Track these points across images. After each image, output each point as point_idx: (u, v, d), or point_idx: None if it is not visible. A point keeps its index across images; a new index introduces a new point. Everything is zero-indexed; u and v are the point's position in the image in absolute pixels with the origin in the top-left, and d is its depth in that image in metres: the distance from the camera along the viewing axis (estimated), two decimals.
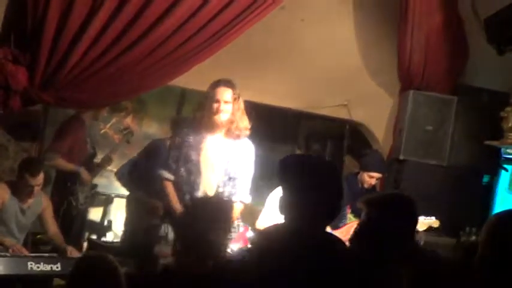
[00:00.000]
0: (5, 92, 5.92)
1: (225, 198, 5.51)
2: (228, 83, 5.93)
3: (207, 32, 6.41)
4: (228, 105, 5.84)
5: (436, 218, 6.93)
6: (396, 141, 8.10)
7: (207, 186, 5.90)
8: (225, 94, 5.85)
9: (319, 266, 3.33)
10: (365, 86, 8.43)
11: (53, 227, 6.96)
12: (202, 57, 6.60)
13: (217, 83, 5.92)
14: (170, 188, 5.97)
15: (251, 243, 5.50)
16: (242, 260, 3.71)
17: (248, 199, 6.12)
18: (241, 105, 5.96)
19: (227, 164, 5.96)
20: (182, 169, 5.93)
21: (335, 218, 3.64)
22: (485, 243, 3.43)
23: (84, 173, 7.79)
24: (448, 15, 8.07)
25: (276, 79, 8.15)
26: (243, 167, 6.04)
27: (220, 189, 5.92)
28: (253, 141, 7.78)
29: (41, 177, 6.65)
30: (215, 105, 5.82)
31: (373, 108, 8.57)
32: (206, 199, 5.08)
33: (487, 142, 7.70)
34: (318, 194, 3.44)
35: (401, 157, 7.89)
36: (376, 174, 7.59)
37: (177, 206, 5.87)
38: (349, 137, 9.09)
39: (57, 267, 6.06)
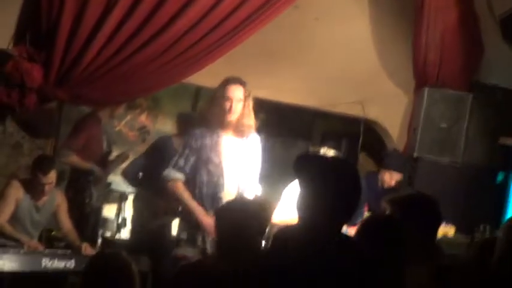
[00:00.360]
0: (21, 90, 5.95)
1: (263, 201, 5.46)
2: (239, 81, 5.90)
3: (220, 31, 6.41)
4: (240, 104, 5.82)
5: (450, 217, 6.93)
6: (411, 138, 8.09)
7: (229, 186, 5.89)
8: (236, 92, 5.83)
9: (334, 266, 3.32)
10: (380, 83, 8.42)
11: (67, 224, 7.00)
12: (215, 56, 6.60)
13: (228, 81, 5.89)
14: (183, 189, 5.94)
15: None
16: (258, 259, 3.70)
17: (260, 190, 6.14)
18: (250, 103, 5.93)
19: (243, 161, 5.96)
20: (202, 171, 5.91)
21: (351, 216, 3.63)
22: (504, 244, 3.43)
23: (98, 172, 7.81)
24: (463, 12, 8.03)
25: (290, 77, 8.15)
26: (254, 161, 6.05)
27: (241, 187, 5.93)
28: (268, 139, 7.79)
29: (52, 175, 6.68)
30: (227, 104, 5.79)
31: (388, 106, 8.56)
32: (244, 201, 5.04)
33: (502, 140, 7.69)
34: (335, 193, 3.43)
35: (415, 155, 7.88)
36: (397, 175, 7.59)
37: (198, 208, 5.83)
38: (364, 135, 9.07)
39: (71, 264, 6.10)
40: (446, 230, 7.11)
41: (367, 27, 8.35)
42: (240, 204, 4.46)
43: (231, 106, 5.79)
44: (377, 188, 7.60)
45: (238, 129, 5.92)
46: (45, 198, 6.90)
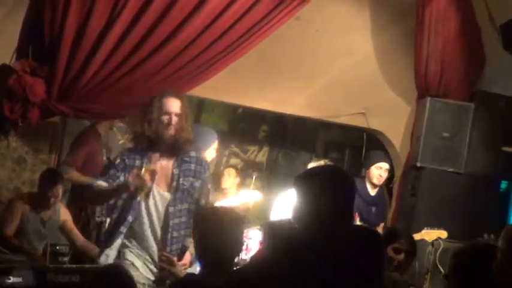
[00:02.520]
0: (23, 104, 5.96)
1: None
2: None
3: (222, 43, 6.43)
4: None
5: (454, 225, 6.95)
6: (413, 148, 8.10)
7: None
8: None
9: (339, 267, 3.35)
10: (382, 93, 8.43)
11: (79, 237, 7.02)
12: (217, 69, 6.62)
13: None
14: None
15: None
16: (260, 268, 3.71)
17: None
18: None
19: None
20: None
21: (349, 216, 3.65)
22: (504, 251, 3.44)
23: (99, 185, 7.80)
24: (464, 22, 8.04)
25: (293, 88, 8.16)
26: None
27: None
28: (272, 150, 7.71)
29: (58, 188, 6.70)
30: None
31: (391, 116, 8.57)
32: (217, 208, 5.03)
33: (504, 148, 7.69)
34: (329, 201, 3.46)
35: (418, 164, 7.88)
36: (384, 165, 7.62)
37: None
38: (367, 144, 9.10)
39: (75, 279, 6.09)
40: (438, 234, 7.14)
41: (369, 38, 8.37)
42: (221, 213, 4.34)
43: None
44: (366, 193, 7.61)
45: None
46: (50, 212, 6.91)
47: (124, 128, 9.15)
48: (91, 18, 5.97)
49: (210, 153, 6.93)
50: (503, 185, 8.03)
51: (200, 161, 5.64)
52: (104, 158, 8.07)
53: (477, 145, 7.93)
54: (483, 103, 8.00)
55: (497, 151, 7.80)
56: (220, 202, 7.55)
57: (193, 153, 5.59)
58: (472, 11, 8.05)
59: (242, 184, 8.74)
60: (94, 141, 7.88)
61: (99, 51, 6.06)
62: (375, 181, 7.65)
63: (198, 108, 10.31)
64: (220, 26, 6.38)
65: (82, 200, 7.63)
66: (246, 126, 10.80)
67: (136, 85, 6.28)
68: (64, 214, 7.05)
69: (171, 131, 5.43)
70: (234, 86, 7.72)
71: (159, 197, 5.44)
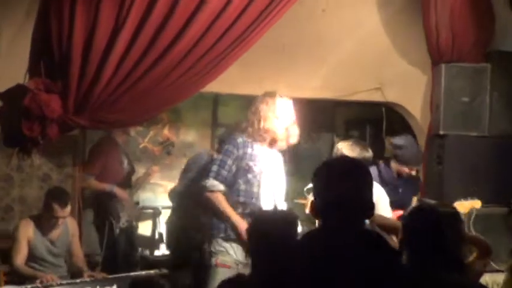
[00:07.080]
0: (41, 122, 5.97)
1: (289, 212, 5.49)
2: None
3: (231, 35, 6.37)
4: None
5: (484, 190, 6.89)
6: (434, 116, 8.05)
7: (265, 196, 5.94)
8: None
9: (364, 264, 3.31)
10: (396, 66, 8.40)
11: (78, 251, 7.07)
12: (229, 62, 6.56)
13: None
14: (224, 200, 5.98)
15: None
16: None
17: (285, 207, 6.31)
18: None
19: (277, 173, 6.05)
20: (241, 180, 5.96)
21: (369, 214, 3.61)
22: None
23: (118, 191, 7.87)
24: None
25: (306, 71, 8.15)
26: (283, 174, 6.16)
27: (276, 198, 6.01)
28: None
29: (69, 208, 6.73)
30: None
31: (408, 87, 8.54)
32: (274, 213, 5.06)
33: None
34: (348, 194, 3.43)
35: (441, 132, 7.84)
36: (417, 167, 7.57)
37: (239, 219, 5.90)
38: (387, 118, 9.06)
39: None
40: (472, 204, 7.07)
41: (375, 10, 8.32)
42: (271, 215, 4.48)
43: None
44: (390, 176, 7.51)
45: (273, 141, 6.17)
46: (57, 231, 6.92)
47: (144, 131, 9.18)
48: (98, 26, 5.94)
49: None
50: None
51: None
52: (125, 165, 8.11)
53: (498, 106, 7.88)
54: (499, 62, 7.95)
55: None
56: None
57: None
58: None
59: None
60: (112, 149, 7.97)
61: (110, 59, 6.02)
62: (403, 175, 7.69)
63: (215, 103, 10.31)
64: (227, 18, 6.31)
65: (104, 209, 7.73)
66: None
67: (150, 89, 6.25)
68: (72, 228, 7.07)
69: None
70: (248, 77, 7.71)
71: None
